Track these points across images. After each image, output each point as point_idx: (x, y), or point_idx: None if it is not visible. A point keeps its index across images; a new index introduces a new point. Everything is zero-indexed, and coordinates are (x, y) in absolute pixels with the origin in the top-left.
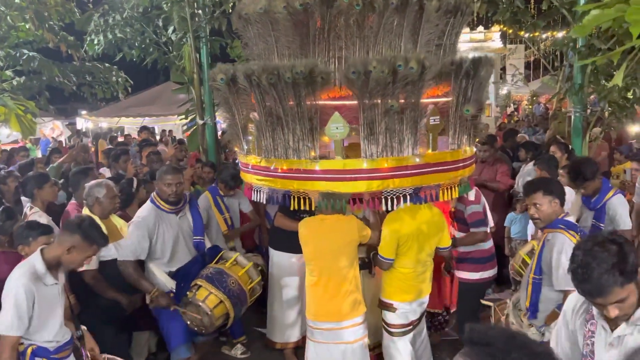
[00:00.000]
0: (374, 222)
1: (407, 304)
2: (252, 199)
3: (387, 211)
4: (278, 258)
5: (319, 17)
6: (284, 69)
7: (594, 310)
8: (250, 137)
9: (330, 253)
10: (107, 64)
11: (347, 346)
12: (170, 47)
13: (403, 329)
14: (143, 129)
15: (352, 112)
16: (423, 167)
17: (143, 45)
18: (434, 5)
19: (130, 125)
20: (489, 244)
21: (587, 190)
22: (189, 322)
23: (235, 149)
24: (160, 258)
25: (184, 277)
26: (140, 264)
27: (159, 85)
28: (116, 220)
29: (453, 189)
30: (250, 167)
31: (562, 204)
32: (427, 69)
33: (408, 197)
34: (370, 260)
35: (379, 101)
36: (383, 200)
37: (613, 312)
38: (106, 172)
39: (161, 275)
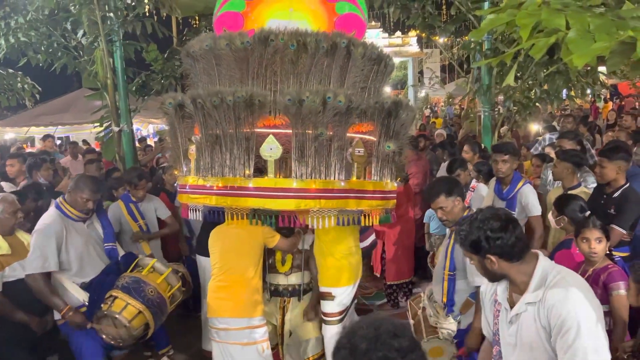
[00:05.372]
0: (296, 235)
1: (355, 284)
2: (189, 218)
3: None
4: (207, 264)
5: (258, 55)
6: (227, 93)
7: (499, 291)
8: (190, 159)
9: (234, 252)
10: (10, 70)
11: (243, 347)
12: (81, 52)
13: (343, 314)
14: (46, 137)
15: (286, 138)
16: (347, 192)
17: (50, 50)
18: (359, 52)
19: (41, 135)
20: None
21: (504, 168)
22: (104, 337)
23: (175, 172)
24: (68, 269)
25: (98, 288)
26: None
27: (72, 92)
28: (22, 236)
29: (374, 217)
30: (187, 187)
31: (464, 198)
32: (353, 103)
33: (333, 218)
34: (300, 288)
35: (310, 128)
36: (309, 218)
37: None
38: (7, 186)
39: (72, 288)
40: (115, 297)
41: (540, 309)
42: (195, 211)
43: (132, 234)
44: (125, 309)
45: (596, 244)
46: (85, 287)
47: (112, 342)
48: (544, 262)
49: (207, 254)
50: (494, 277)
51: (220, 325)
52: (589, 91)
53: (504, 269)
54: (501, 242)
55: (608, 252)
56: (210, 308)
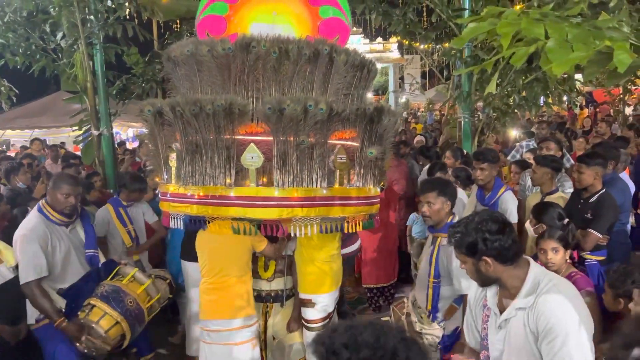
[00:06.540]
0: (281, 241)
1: (337, 289)
2: (170, 226)
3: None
4: (192, 269)
5: (240, 61)
6: (206, 101)
7: (488, 296)
8: (171, 167)
9: (222, 253)
10: None
11: (233, 347)
12: (60, 54)
13: (326, 320)
14: (34, 140)
15: (267, 146)
16: (329, 199)
17: (28, 52)
18: (342, 59)
19: (18, 138)
20: None
21: (482, 175)
22: (78, 345)
23: (157, 179)
24: (49, 274)
25: (75, 295)
26: None
27: (50, 94)
28: None
29: (358, 223)
30: (168, 195)
31: (452, 207)
32: (334, 111)
33: (315, 225)
34: (283, 293)
35: (291, 136)
36: (292, 227)
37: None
38: None
39: (49, 294)
40: (94, 306)
41: (530, 314)
42: (177, 219)
43: (125, 249)
44: (102, 318)
45: (552, 254)
46: (62, 293)
47: (86, 351)
48: (535, 269)
49: (191, 259)
50: (485, 281)
51: (213, 327)
52: (565, 98)
53: (497, 272)
54: (499, 244)
55: (569, 260)
56: (202, 311)
